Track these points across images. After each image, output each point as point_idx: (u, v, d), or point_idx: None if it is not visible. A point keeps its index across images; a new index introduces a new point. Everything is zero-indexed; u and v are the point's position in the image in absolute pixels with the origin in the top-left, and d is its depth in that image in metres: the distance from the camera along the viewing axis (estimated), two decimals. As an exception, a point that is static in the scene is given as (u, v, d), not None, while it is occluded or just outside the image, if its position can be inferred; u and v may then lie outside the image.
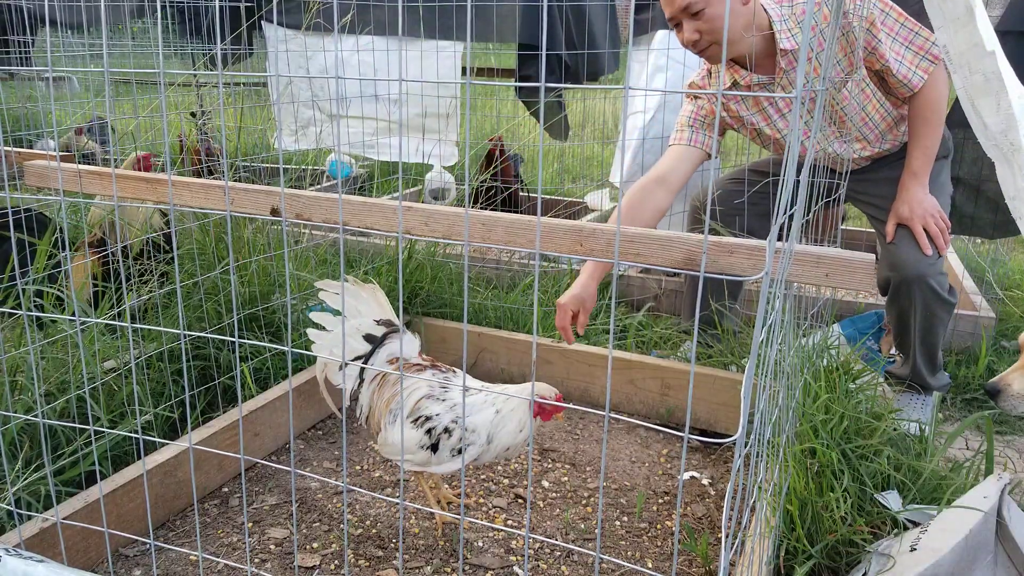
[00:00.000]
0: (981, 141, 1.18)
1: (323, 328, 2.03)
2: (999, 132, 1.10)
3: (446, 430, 1.91)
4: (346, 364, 2.03)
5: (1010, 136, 1.09)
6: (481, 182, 4.39)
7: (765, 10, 2.39)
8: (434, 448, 1.91)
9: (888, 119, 2.56)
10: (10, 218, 2.57)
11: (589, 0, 4.43)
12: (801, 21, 2.38)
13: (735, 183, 2.91)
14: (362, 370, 2.04)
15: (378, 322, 2.06)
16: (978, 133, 1.16)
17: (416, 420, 1.93)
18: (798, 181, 1.61)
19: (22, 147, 4.18)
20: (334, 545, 2.00)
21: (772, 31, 2.38)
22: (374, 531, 2.06)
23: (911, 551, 1.63)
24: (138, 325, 2.05)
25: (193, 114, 4.48)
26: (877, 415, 2.14)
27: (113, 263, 2.76)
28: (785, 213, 1.19)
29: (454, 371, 2.04)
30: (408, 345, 2.07)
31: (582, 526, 2.10)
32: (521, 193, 4.73)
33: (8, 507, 1.73)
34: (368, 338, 2.04)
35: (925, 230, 2.38)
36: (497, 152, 4.54)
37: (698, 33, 2.33)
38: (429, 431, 1.91)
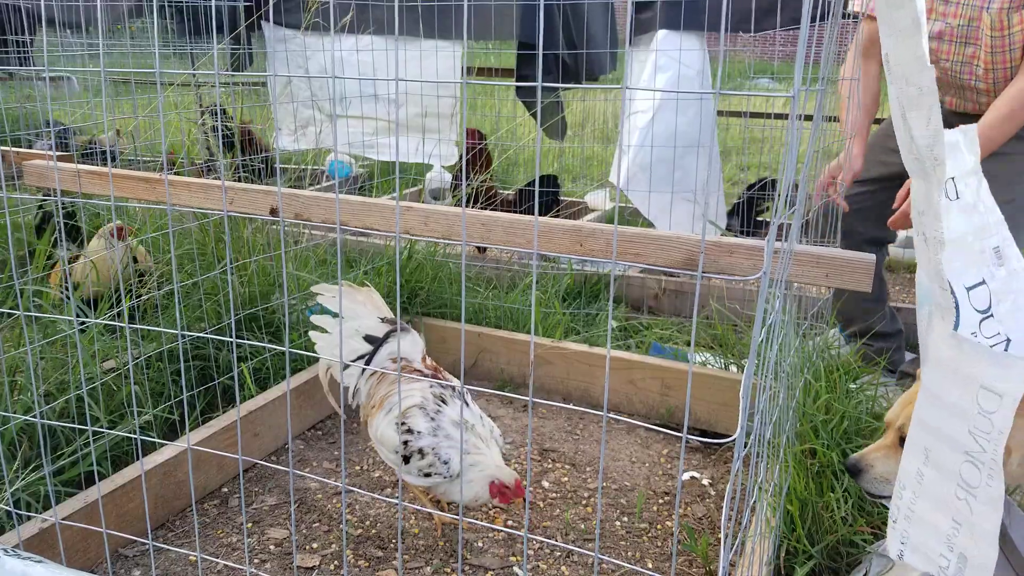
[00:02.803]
0: (903, 153, 1.20)
1: (324, 331, 2.04)
2: (925, 145, 1.12)
3: (420, 451, 1.90)
4: (348, 365, 2.04)
5: (935, 150, 1.10)
6: (481, 182, 4.39)
7: None
8: (406, 459, 1.91)
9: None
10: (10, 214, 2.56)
11: (588, -1, 4.43)
12: None
13: (861, 193, 2.83)
14: (364, 369, 2.05)
15: (382, 320, 2.06)
16: (902, 145, 1.18)
17: (400, 425, 1.93)
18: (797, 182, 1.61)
19: (20, 147, 4.17)
20: (333, 545, 1.99)
21: None
22: (374, 531, 2.06)
23: None
24: (137, 325, 2.05)
25: (224, 111, 4.45)
26: (877, 415, 2.14)
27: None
28: (785, 212, 1.19)
29: (454, 387, 2.01)
30: (411, 345, 2.07)
31: (582, 526, 2.10)
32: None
33: (7, 507, 1.72)
34: (369, 339, 2.05)
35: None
36: (477, 147, 4.54)
37: None
38: (406, 442, 1.91)
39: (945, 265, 1.19)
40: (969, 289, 1.27)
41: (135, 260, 2.80)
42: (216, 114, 4.07)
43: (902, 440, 1.55)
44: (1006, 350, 1.34)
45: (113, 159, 4.56)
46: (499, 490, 1.87)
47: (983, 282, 1.31)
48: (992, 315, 1.31)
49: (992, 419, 1.10)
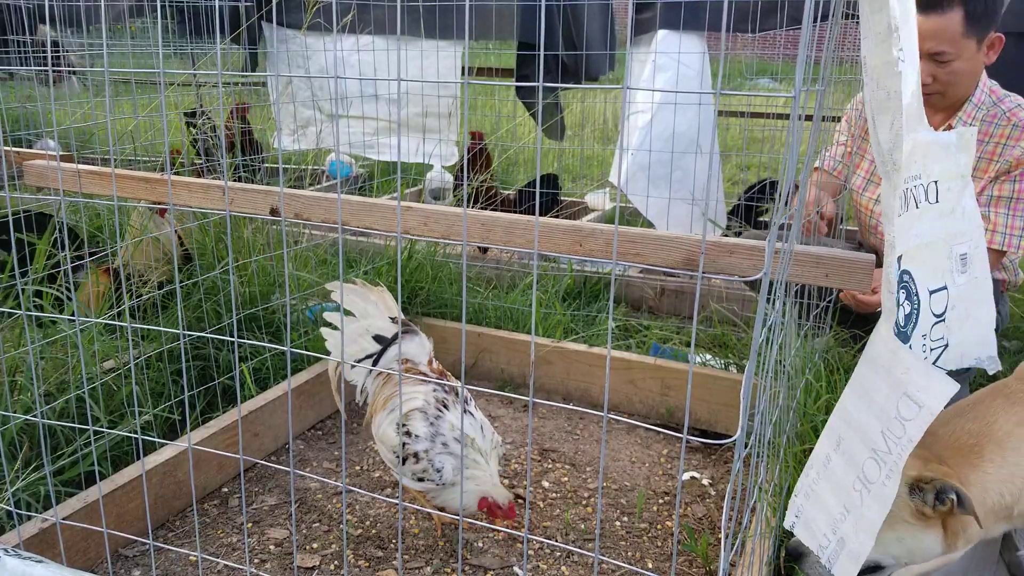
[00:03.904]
0: (874, 154, 1.21)
1: (336, 328, 2.05)
2: (887, 149, 1.14)
3: (415, 455, 1.90)
4: (354, 365, 2.04)
5: (895, 156, 1.13)
6: (480, 182, 4.38)
7: (981, 84, 2.43)
8: (403, 461, 1.92)
9: None
10: (10, 219, 2.56)
11: (588, -1, 4.43)
12: (991, 120, 2.42)
13: None
14: (372, 368, 2.06)
15: (393, 320, 2.07)
16: (874, 148, 1.20)
17: (401, 427, 1.93)
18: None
19: (21, 147, 4.16)
20: (334, 545, 2.00)
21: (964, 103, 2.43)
22: (374, 531, 2.06)
23: None
24: (137, 325, 2.05)
25: (192, 114, 4.47)
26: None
27: (117, 277, 2.75)
28: (785, 212, 1.19)
29: (457, 393, 2.01)
30: (418, 347, 2.07)
31: (582, 526, 2.10)
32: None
33: (8, 507, 1.72)
34: (378, 338, 2.05)
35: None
36: (478, 149, 4.53)
37: (932, 78, 2.33)
38: (404, 444, 1.91)
39: (912, 269, 1.21)
40: (932, 293, 1.29)
41: (181, 242, 2.83)
42: (198, 116, 4.06)
43: None
44: (939, 355, 1.37)
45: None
46: (488, 507, 1.88)
47: (944, 287, 1.33)
48: (944, 319, 1.33)
49: (906, 426, 1.12)
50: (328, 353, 2.14)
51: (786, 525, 1.38)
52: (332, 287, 2.06)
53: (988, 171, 2.40)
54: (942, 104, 2.45)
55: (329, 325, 2.06)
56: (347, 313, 2.06)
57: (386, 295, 2.11)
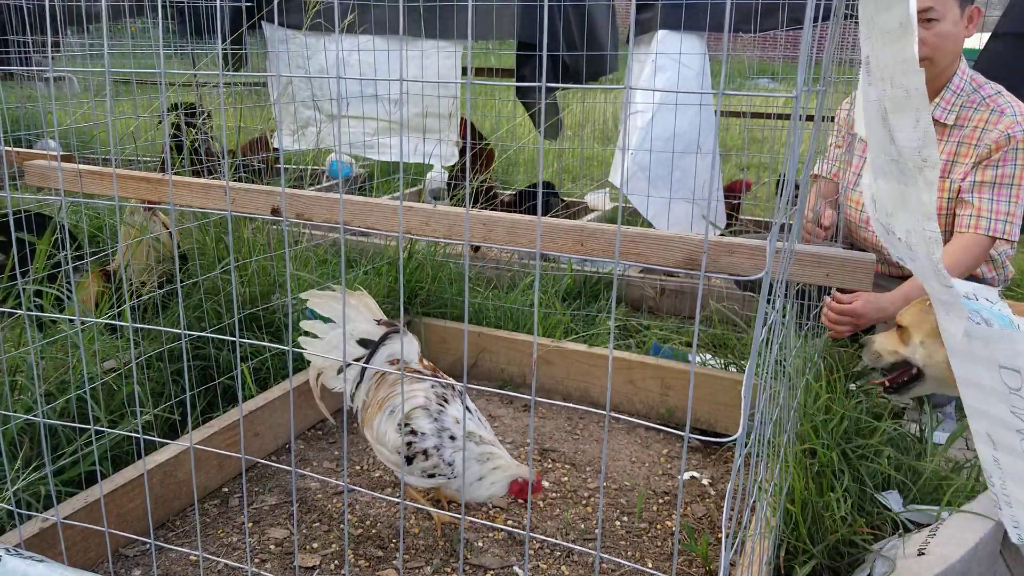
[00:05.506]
0: (875, 154, 1.20)
1: (315, 336, 2.03)
2: (913, 147, 1.13)
3: (424, 452, 1.90)
4: (349, 363, 2.03)
5: (923, 152, 1.12)
6: (481, 182, 4.39)
7: (960, 72, 2.44)
8: (408, 460, 1.91)
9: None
10: (10, 219, 2.56)
11: None
12: (971, 105, 2.42)
13: None
14: (363, 371, 2.04)
15: (378, 323, 2.06)
16: (876, 147, 1.19)
17: (404, 426, 1.92)
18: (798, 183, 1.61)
19: (21, 147, 4.16)
20: (334, 545, 2.00)
21: (942, 90, 2.45)
22: (374, 531, 2.06)
23: (919, 555, 1.62)
24: (138, 325, 2.06)
25: (193, 113, 4.45)
26: (877, 415, 2.14)
27: (114, 281, 2.75)
28: (786, 212, 1.19)
29: (453, 387, 2.01)
30: (407, 346, 2.07)
31: (582, 526, 2.10)
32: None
33: (8, 507, 1.72)
34: (363, 342, 2.05)
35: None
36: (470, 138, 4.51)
37: (919, 41, 2.36)
38: (409, 444, 1.90)
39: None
40: None
41: (178, 244, 2.82)
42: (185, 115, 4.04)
43: (898, 328, 1.84)
44: None
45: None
46: (520, 488, 1.87)
47: None
48: None
49: (1023, 395, 1.12)
50: (308, 364, 2.12)
51: (1013, 540, 1.43)
52: (308, 295, 2.05)
53: (968, 155, 2.41)
54: (928, 75, 2.46)
55: (308, 334, 2.05)
56: (327, 321, 2.05)
57: (366, 298, 2.10)
